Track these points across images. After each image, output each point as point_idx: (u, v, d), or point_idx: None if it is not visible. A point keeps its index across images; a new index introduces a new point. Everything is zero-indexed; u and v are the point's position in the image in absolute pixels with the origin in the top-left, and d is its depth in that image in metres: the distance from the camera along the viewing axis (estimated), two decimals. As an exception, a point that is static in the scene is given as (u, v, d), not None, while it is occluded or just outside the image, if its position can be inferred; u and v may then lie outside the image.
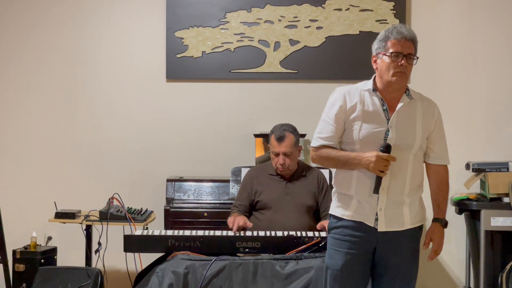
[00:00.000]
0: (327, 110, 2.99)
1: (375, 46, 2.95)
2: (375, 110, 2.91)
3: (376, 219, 2.90)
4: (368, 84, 2.98)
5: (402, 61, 2.84)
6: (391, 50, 2.85)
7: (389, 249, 2.93)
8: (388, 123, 2.89)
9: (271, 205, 4.01)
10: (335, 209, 3.01)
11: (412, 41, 2.89)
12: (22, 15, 4.86)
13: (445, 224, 3.00)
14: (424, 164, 3.03)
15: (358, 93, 2.96)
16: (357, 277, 2.97)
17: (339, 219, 2.98)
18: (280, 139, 3.98)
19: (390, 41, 2.87)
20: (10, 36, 4.87)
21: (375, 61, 2.95)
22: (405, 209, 2.93)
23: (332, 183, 3.08)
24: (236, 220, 3.81)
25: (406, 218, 2.93)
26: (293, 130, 4.05)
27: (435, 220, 3.01)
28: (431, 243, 3.02)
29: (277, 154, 4.01)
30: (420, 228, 3.01)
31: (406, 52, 2.86)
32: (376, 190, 2.85)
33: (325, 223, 3.78)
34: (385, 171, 2.83)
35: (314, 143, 2.99)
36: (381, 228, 2.90)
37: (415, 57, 2.91)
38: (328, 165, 3.06)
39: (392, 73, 2.85)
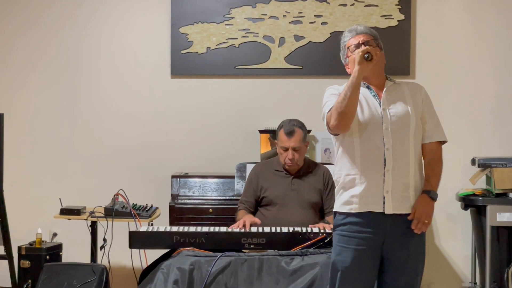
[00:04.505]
0: (327, 95, 3.05)
1: (343, 60, 3.10)
2: (365, 96, 3.00)
3: (384, 203, 2.90)
4: None
5: (362, 45, 2.96)
6: (352, 46, 3.01)
7: (397, 244, 2.93)
8: (380, 106, 2.96)
9: (276, 201, 4.01)
10: (341, 206, 3.00)
11: (363, 33, 3.03)
12: (24, 12, 4.85)
13: (433, 196, 2.95)
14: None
15: None
16: (367, 273, 2.96)
17: (346, 215, 2.97)
18: (290, 133, 3.98)
19: (346, 44, 3.05)
20: (12, 32, 4.87)
21: (348, 68, 3.06)
22: (411, 192, 2.94)
23: (334, 178, 3.07)
24: (245, 220, 3.81)
25: (412, 202, 2.94)
26: (302, 125, 4.06)
27: (422, 192, 2.97)
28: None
29: (286, 149, 4.00)
30: None
31: (362, 41, 2.99)
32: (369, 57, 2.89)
33: (325, 223, 3.80)
34: (364, 51, 2.88)
35: (325, 111, 2.99)
36: (388, 210, 2.89)
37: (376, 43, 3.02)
38: (344, 108, 2.85)
39: (360, 55, 2.92)
